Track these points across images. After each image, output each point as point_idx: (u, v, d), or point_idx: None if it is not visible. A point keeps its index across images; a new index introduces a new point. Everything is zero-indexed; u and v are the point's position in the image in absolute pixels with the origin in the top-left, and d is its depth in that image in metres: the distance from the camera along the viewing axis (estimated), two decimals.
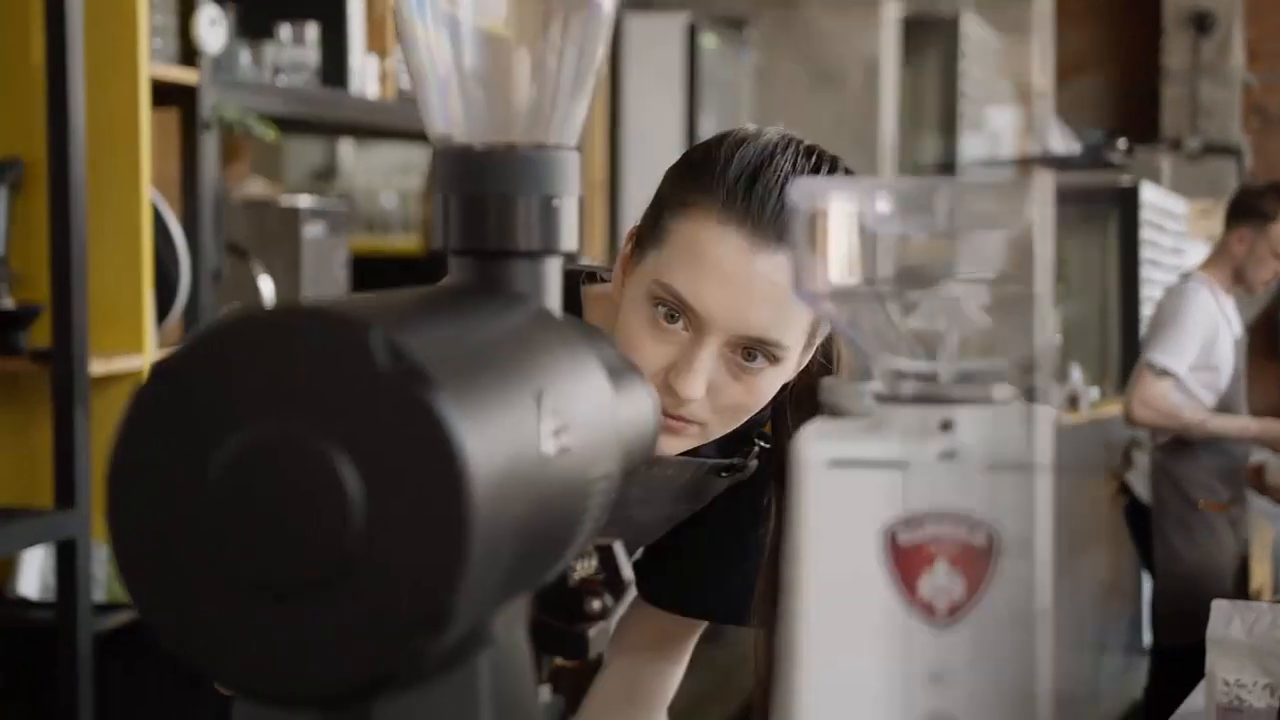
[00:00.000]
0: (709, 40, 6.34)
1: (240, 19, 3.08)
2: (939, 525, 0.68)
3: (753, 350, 1.27)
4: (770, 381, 1.29)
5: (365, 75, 3.32)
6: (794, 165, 1.27)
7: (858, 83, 5.68)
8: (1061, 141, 5.97)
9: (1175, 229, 7.50)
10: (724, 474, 1.43)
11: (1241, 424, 4.56)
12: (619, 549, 0.92)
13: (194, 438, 0.62)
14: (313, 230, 3.19)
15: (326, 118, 3.33)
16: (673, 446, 1.31)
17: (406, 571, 0.61)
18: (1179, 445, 4.48)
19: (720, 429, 1.31)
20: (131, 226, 2.53)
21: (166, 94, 2.71)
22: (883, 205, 0.72)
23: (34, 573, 2.63)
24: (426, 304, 0.71)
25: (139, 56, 2.53)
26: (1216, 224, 8.22)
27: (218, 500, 0.62)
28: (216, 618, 0.63)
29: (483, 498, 0.61)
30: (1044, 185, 0.69)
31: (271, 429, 0.62)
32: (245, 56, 3.06)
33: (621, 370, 0.86)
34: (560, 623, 0.87)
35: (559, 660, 0.93)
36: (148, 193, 2.56)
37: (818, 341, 1.34)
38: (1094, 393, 6.24)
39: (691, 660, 1.60)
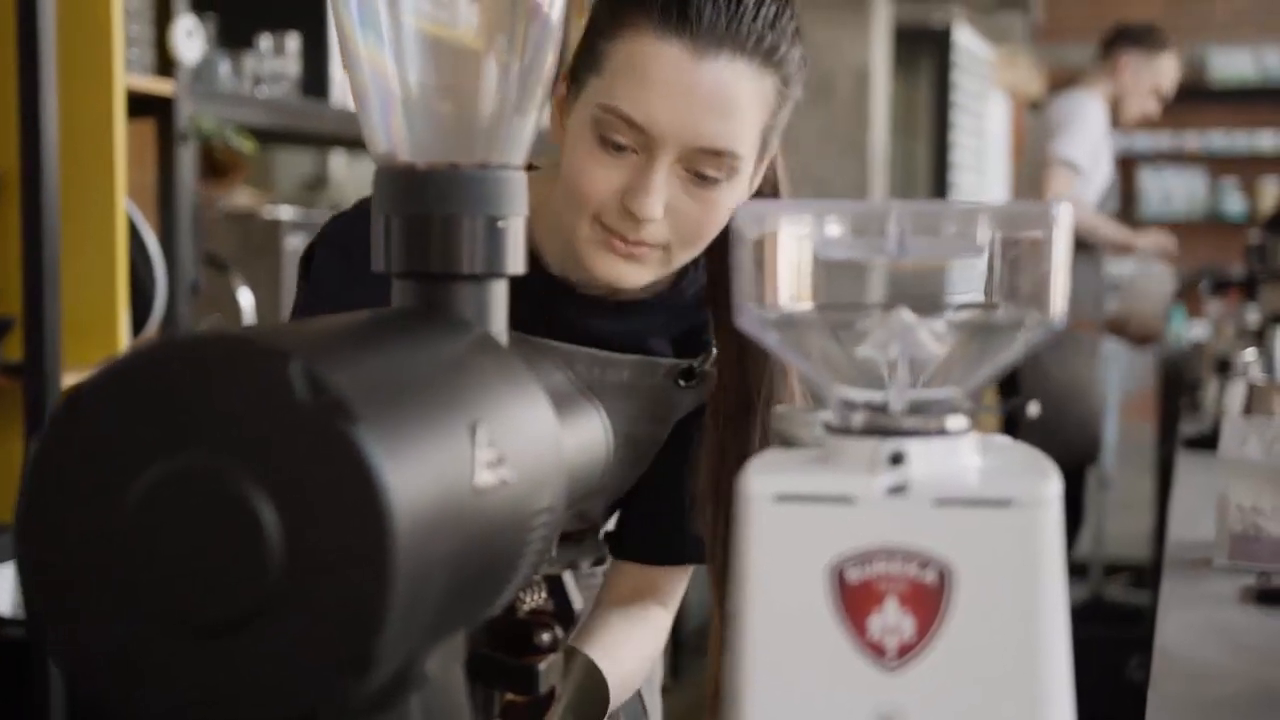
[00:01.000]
0: None
1: (220, 29, 3.05)
2: (889, 562, 0.66)
3: (706, 171, 1.24)
4: (727, 197, 1.27)
5: (346, 86, 3.28)
6: None
7: (848, 92, 5.66)
8: None
9: (981, 74, 7.65)
10: (682, 381, 1.40)
11: (1134, 236, 4.64)
12: (569, 579, 0.89)
13: (109, 469, 0.60)
14: (295, 242, 3.16)
15: (307, 129, 3.30)
16: (638, 276, 1.29)
17: (328, 611, 0.58)
18: None
19: (683, 253, 1.29)
20: (106, 238, 2.50)
21: (143, 105, 2.68)
22: (832, 229, 0.69)
23: (6, 588, 2.60)
24: (358, 332, 0.68)
25: (114, 66, 2.50)
26: (1019, 74, 8.43)
27: (133, 534, 0.60)
28: (132, 655, 0.60)
29: (407, 534, 0.59)
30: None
31: (188, 461, 0.59)
32: (225, 67, 3.03)
33: (569, 396, 0.83)
34: (509, 656, 0.85)
35: (509, 695, 0.90)
36: (123, 204, 2.53)
37: (769, 156, 1.32)
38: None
39: (689, 671, 1.58)
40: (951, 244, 0.68)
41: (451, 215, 0.77)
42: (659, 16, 1.22)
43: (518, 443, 0.70)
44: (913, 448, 0.67)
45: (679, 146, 1.23)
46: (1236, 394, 2.91)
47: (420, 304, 0.77)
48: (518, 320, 1.41)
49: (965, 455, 0.68)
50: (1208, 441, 2.87)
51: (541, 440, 0.73)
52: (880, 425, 0.68)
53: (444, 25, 0.80)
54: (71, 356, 2.45)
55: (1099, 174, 4.59)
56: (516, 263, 0.79)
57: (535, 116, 0.82)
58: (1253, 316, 4.15)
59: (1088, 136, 4.46)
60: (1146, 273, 4.85)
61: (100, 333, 2.50)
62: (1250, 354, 3.12)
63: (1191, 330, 7.08)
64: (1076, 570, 5.51)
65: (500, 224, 0.78)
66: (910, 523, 0.65)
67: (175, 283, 2.72)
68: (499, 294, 0.79)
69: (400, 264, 0.78)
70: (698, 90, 1.22)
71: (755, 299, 0.70)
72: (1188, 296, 9.67)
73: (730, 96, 1.22)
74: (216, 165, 3.53)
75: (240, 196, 3.98)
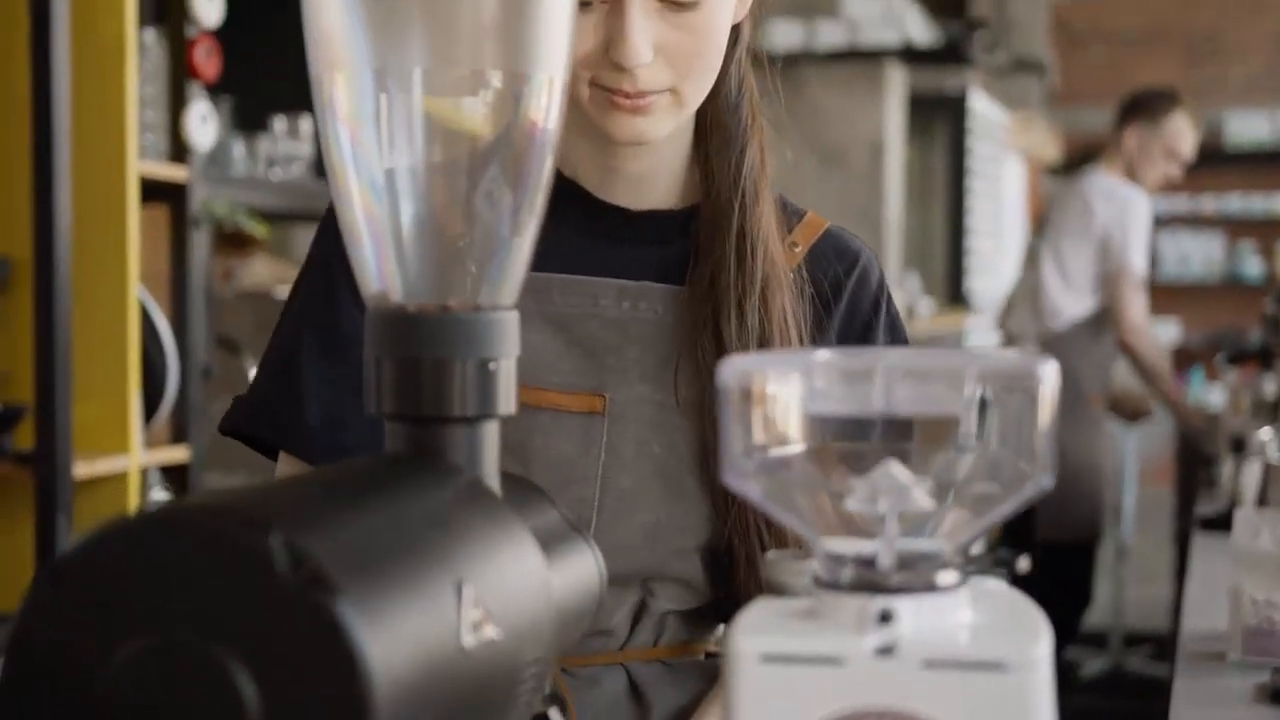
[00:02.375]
0: None
1: (235, 111, 3.07)
2: None
3: None
4: (717, 15, 1.19)
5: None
6: None
7: (862, 163, 5.68)
8: (921, 31, 5.97)
9: (997, 139, 7.68)
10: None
11: (1184, 407, 4.64)
12: (555, 716, 0.89)
13: (88, 642, 0.60)
14: None
15: (321, 209, 3.31)
16: (656, 127, 1.21)
17: None
18: (1075, 335, 4.50)
19: (693, 89, 1.21)
20: (118, 326, 2.51)
21: (157, 190, 2.70)
22: (818, 381, 0.69)
23: None
24: (342, 488, 0.68)
25: (128, 154, 2.52)
26: (1035, 137, 8.48)
27: (114, 707, 0.59)
28: None
29: (389, 706, 0.58)
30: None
31: (169, 634, 0.59)
32: (239, 149, 3.05)
33: (560, 534, 0.83)
34: None
35: None
36: (135, 291, 2.54)
37: None
38: (928, 304, 6.27)
39: None
40: (939, 397, 0.68)
41: (442, 359, 0.77)
42: None
43: (505, 597, 0.69)
44: (902, 605, 0.66)
45: None
46: (1252, 474, 2.89)
47: (410, 447, 0.77)
48: (543, 248, 1.34)
49: (955, 612, 0.67)
50: (1224, 522, 2.85)
51: (530, 591, 0.72)
52: (868, 581, 0.68)
53: (437, 165, 0.80)
54: (82, 445, 2.45)
55: None
56: (508, 403, 0.79)
57: (527, 258, 0.82)
58: (1270, 386, 4.14)
59: (1146, 238, 4.46)
60: None
61: (112, 420, 2.51)
62: (1266, 433, 3.10)
63: (1209, 394, 7.06)
64: (1096, 641, 5.48)
65: (491, 366, 0.78)
66: (899, 685, 0.65)
67: (187, 367, 2.73)
68: (490, 435, 0.79)
69: (391, 406, 0.78)
70: None
71: (741, 452, 0.69)
72: (1205, 360, 9.68)
73: None
74: (234, 237, 3.55)
75: (258, 265, 4.00)
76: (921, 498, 0.68)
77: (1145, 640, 5.57)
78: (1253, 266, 9.99)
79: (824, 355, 0.70)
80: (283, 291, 3.30)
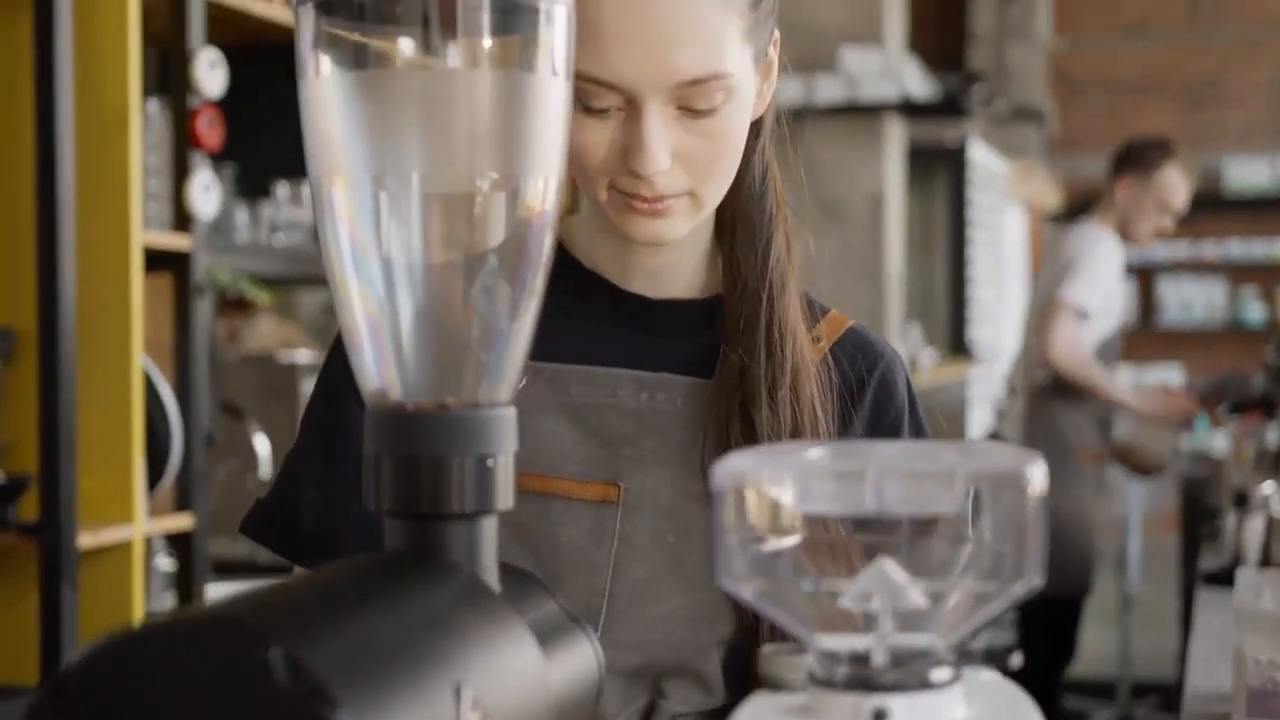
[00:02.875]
0: None
1: (238, 177, 3.10)
2: None
3: (697, 105, 1.15)
4: (735, 118, 1.18)
5: None
6: None
7: (863, 216, 5.71)
8: (920, 85, 6.00)
9: (997, 188, 7.72)
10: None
11: (1137, 400, 4.62)
12: None
13: None
14: (311, 387, 3.18)
15: (322, 275, 3.33)
16: (674, 229, 1.20)
17: None
18: (1060, 387, 4.50)
19: (710, 191, 1.20)
20: (122, 396, 2.52)
21: (160, 259, 2.72)
22: (810, 481, 0.70)
23: None
24: (342, 592, 0.69)
25: (132, 224, 2.54)
26: (1036, 185, 8.53)
27: None
28: None
29: None
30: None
31: None
32: (242, 215, 3.07)
33: (559, 627, 0.83)
34: None
35: None
36: (139, 361, 2.55)
37: (770, 48, 1.23)
38: (931, 354, 6.29)
39: None
40: (930, 497, 0.69)
41: (441, 456, 0.78)
42: None
43: (503, 696, 0.70)
44: (896, 704, 0.67)
45: (658, 89, 1.14)
46: (1255, 529, 2.89)
47: (409, 543, 0.78)
48: (564, 339, 1.29)
49: (950, 709, 0.68)
50: (1228, 577, 2.85)
51: (528, 688, 0.73)
52: (863, 679, 0.68)
53: (434, 265, 0.81)
54: (86, 515, 2.46)
55: (1113, 316, 4.59)
56: (506, 499, 0.80)
57: (526, 348, 0.83)
58: (1273, 435, 4.14)
59: (1099, 279, 4.47)
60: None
61: (116, 489, 2.52)
62: (1269, 486, 3.10)
63: (1214, 440, 7.05)
64: (1104, 691, 5.46)
65: (489, 462, 0.79)
66: None
67: (191, 435, 2.74)
68: (489, 530, 0.80)
69: (390, 503, 0.79)
70: (651, 26, 1.12)
71: (734, 551, 0.70)
72: (1209, 407, 9.68)
73: (689, 19, 1.13)
74: (239, 298, 3.57)
75: (263, 325, 4.02)
76: (915, 595, 0.69)
77: (1153, 690, 5.56)
78: (1255, 312, 10.01)
79: (816, 455, 0.72)
80: (287, 354, 3.31)
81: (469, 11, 0.78)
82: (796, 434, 1.25)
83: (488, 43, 0.78)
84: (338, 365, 1.30)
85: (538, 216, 0.82)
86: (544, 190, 0.82)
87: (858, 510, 0.69)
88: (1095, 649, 6.31)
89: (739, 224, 1.29)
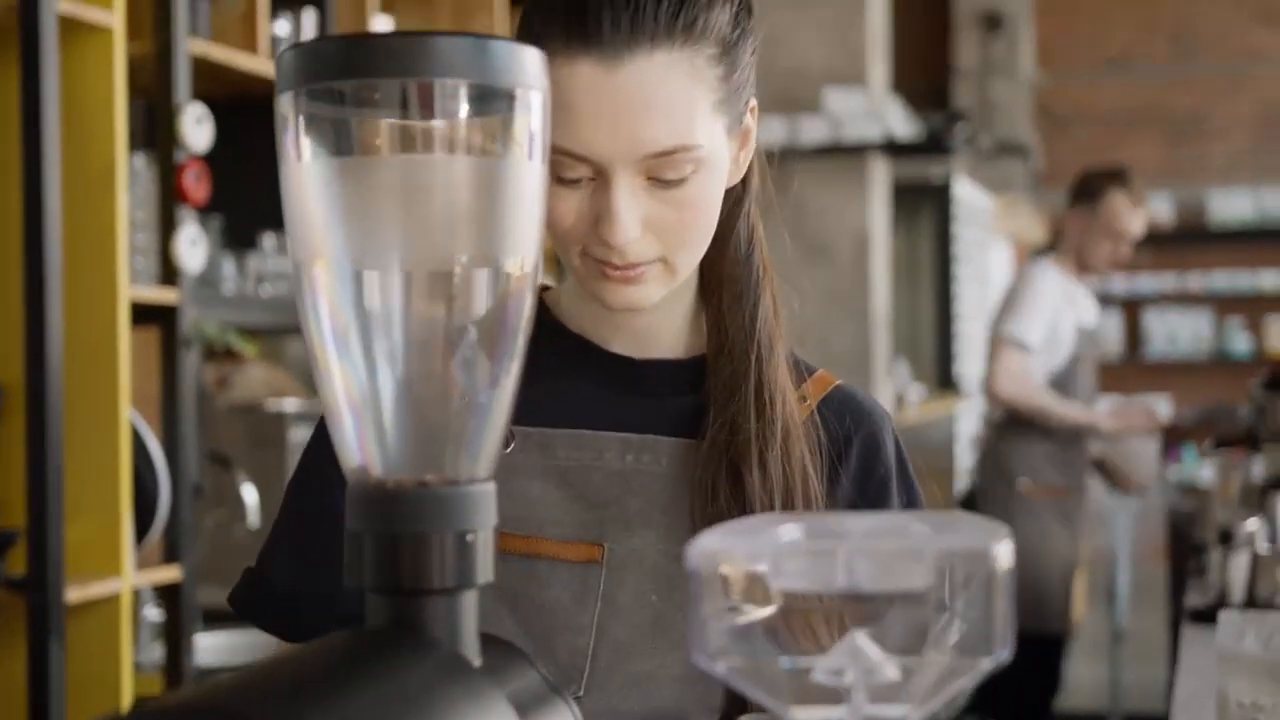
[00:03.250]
0: None
1: (224, 229, 3.11)
2: None
3: (666, 175, 1.16)
4: (707, 188, 1.20)
5: None
6: None
7: (849, 255, 5.73)
8: (903, 124, 6.03)
9: (982, 223, 7.76)
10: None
11: (1095, 416, 4.63)
12: None
13: None
14: (300, 434, 3.19)
15: None
16: (646, 295, 1.22)
17: None
18: (1010, 424, 4.52)
19: (683, 259, 1.22)
20: (110, 450, 2.53)
21: (147, 312, 2.73)
22: (783, 560, 0.71)
23: None
24: (323, 671, 0.70)
25: (119, 279, 2.55)
26: (1020, 220, 8.58)
27: None
28: None
29: None
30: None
31: None
32: (229, 267, 3.09)
33: (540, 697, 0.85)
34: None
35: None
36: (127, 415, 2.56)
37: (744, 118, 1.25)
38: (919, 390, 6.32)
39: None
40: (901, 573, 0.70)
41: (421, 533, 0.80)
42: (563, 41, 1.16)
43: None
44: None
45: (627, 161, 1.16)
46: (1240, 565, 2.91)
47: (390, 619, 0.79)
48: (550, 403, 1.27)
49: None
50: (1214, 614, 2.86)
51: None
52: None
53: (414, 346, 0.83)
54: (75, 569, 2.47)
55: (1061, 348, 4.61)
56: (486, 573, 0.81)
57: (505, 421, 0.85)
58: (1258, 469, 4.15)
59: (1040, 312, 4.51)
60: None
61: (104, 543, 2.52)
62: (1253, 523, 3.11)
63: (1201, 470, 7.06)
64: None
65: (469, 538, 0.81)
66: None
67: (179, 487, 2.75)
68: (469, 604, 0.81)
69: (372, 579, 0.80)
70: (620, 100, 1.15)
71: (708, 628, 0.72)
72: (1197, 438, 9.71)
73: (657, 93, 1.15)
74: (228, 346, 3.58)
75: (253, 371, 4.02)
76: (887, 668, 0.70)
77: None
78: (1241, 343, 10.06)
79: (789, 533, 0.73)
80: (274, 403, 3.32)
81: (446, 98, 0.79)
82: (788, 494, 1.26)
83: (465, 130, 0.80)
84: (322, 440, 1.31)
85: (516, 294, 0.84)
86: (522, 267, 0.84)
87: (830, 587, 0.71)
88: (1086, 682, 6.32)
89: (725, 286, 1.31)
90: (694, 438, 1.28)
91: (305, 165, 0.80)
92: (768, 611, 0.73)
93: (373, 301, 0.81)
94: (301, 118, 0.80)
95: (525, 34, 1.20)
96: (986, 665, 0.70)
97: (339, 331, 0.82)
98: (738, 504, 1.25)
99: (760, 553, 0.72)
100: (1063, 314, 4.55)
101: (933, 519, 0.77)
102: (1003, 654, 0.70)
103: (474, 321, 0.82)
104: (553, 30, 1.16)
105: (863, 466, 1.33)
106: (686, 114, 1.16)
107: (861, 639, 0.71)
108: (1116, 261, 4.69)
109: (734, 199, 1.28)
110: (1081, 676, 6.45)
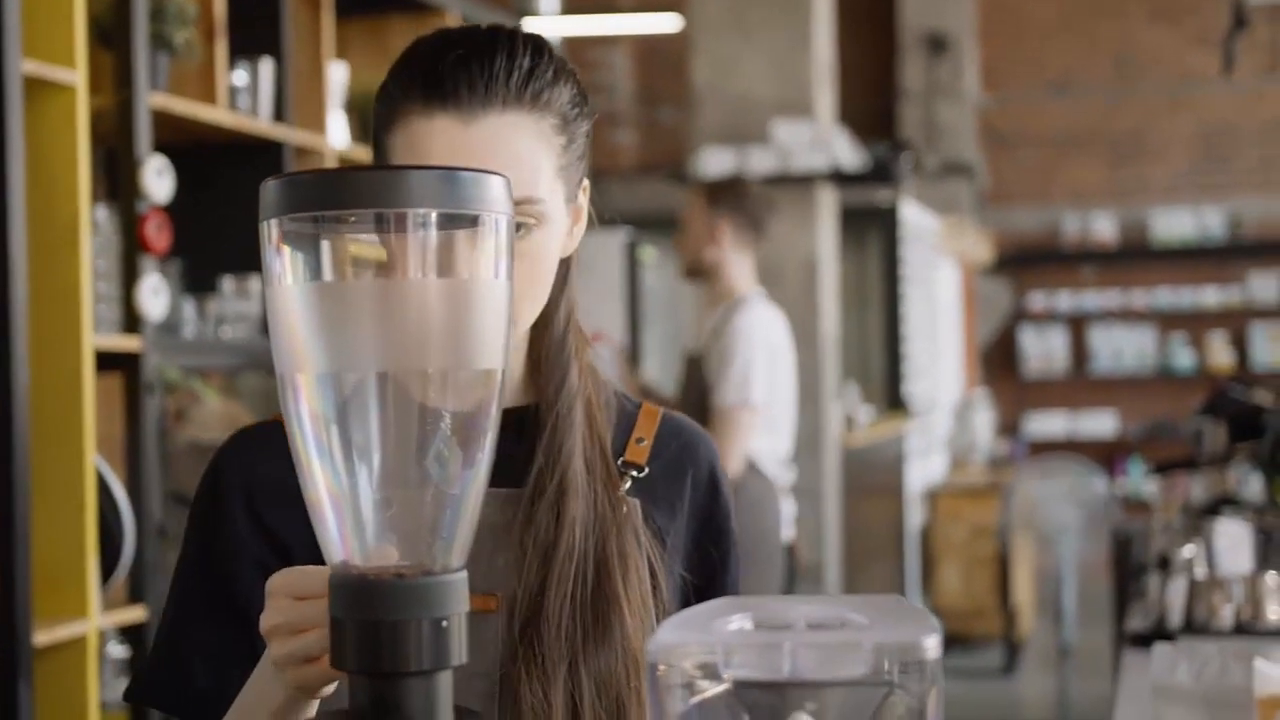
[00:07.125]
0: (647, 253, 6.50)
1: (184, 274, 3.17)
2: None
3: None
4: (546, 244, 1.27)
5: None
6: (479, 35, 1.27)
7: (797, 282, 5.82)
8: (850, 154, 6.09)
9: (929, 244, 7.89)
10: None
11: None
12: None
13: None
14: None
15: (269, 366, 3.40)
16: None
17: None
18: None
19: (525, 310, 1.27)
20: (75, 495, 2.58)
21: (111, 359, 2.79)
22: (733, 654, 0.79)
23: None
24: None
25: (83, 328, 2.61)
26: (966, 240, 8.69)
27: None
28: None
29: None
30: None
31: None
32: (190, 310, 3.14)
33: None
34: None
35: None
36: (92, 461, 2.62)
37: (580, 191, 1.32)
38: (868, 411, 6.41)
39: None
40: (841, 663, 0.78)
41: (399, 621, 0.87)
42: (422, 98, 1.24)
43: None
44: None
45: None
46: (1178, 590, 2.99)
47: (371, 701, 0.87)
48: None
49: None
50: (1153, 639, 2.93)
51: None
52: None
53: (392, 448, 0.90)
54: (41, 612, 2.51)
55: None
56: (460, 654, 0.89)
57: (475, 513, 0.92)
58: (1197, 491, 4.25)
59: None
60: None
61: (70, 586, 2.57)
62: (1190, 550, 3.20)
63: (1146, 487, 7.15)
64: None
65: (444, 623, 0.88)
66: None
67: (143, 528, 2.80)
68: (444, 684, 0.89)
69: (353, 663, 0.88)
70: (472, 149, 1.24)
71: (664, 714, 0.79)
72: (1143, 451, 9.85)
73: (506, 147, 1.24)
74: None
75: (210, 403, 4.06)
76: None
77: None
78: (1184, 358, 10.22)
79: (737, 627, 0.80)
80: None
81: (417, 225, 0.87)
82: (618, 531, 1.30)
83: (436, 253, 0.87)
84: (208, 515, 1.31)
85: (485, 394, 0.92)
86: (490, 370, 0.91)
87: (776, 676, 0.78)
88: (1034, 696, 6.42)
89: (544, 361, 1.35)
90: (522, 486, 1.31)
91: (287, 288, 0.87)
92: (716, 698, 0.80)
93: (350, 407, 0.88)
94: (284, 244, 0.88)
95: (385, 97, 1.28)
96: None
97: (319, 436, 0.89)
98: (533, 554, 1.27)
99: (712, 646, 0.79)
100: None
101: (869, 608, 0.84)
102: None
103: (445, 421, 0.90)
104: (412, 93, 1.25)
105: (702, 506, 1.40)
106: (532, 169, 1.25)
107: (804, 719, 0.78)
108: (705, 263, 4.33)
109: (562, 272, 1.35)
110: (1030, 690, 6.56)
